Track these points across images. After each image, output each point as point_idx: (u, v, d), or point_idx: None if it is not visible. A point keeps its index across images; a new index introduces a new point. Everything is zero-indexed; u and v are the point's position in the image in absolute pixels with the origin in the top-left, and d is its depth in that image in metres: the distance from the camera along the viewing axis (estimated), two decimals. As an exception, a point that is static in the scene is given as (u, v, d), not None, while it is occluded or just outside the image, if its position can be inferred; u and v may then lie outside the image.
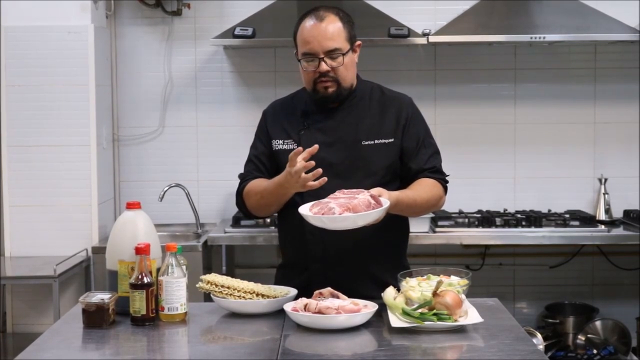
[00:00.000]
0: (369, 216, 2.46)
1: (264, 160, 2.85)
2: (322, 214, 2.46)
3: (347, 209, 2.44)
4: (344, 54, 2.70)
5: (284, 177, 2.62)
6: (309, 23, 2.71)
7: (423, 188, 2.75)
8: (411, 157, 2.79)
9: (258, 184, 2.80)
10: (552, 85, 4.99)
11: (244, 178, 2.88)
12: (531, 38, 4.53)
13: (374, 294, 2.57)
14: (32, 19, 4.53)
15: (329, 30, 2.69)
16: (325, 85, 2.72)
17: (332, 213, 2.44)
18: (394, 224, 2.78)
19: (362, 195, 2.49)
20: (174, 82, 4.99)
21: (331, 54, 2.69)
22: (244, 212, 2.88)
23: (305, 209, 2.53)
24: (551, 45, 4.88)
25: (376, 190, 2.54)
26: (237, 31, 4.55)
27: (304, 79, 2.77)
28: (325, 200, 2.52)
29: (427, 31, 4.62)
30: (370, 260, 2.77)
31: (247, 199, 2.83)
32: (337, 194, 2.54)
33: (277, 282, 2.83)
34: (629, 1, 4.83)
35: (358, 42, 2.79)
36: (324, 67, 2.69)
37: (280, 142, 2.82)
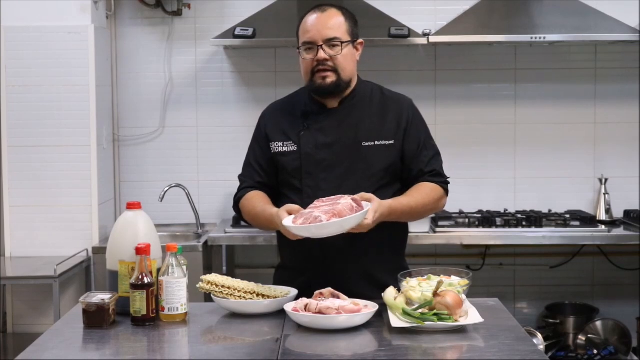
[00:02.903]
0: (353, 219, 2.46)
1: (262, 164, 2.85)
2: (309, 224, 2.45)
3: (333, 215, 2.44)
4: (342, 43, 2.71)
5: (276, 218, 2.59)
6: (310, 16, 2.75)
7: (420, 193, 2.75)
8: (412, 159, 2.79)
9: (252, 204, 2.78)
10: (553, 86, 4.99)
11: (242, 185, 2.87)
12: (531, 38, 4.53)
13: (373, 295, 2.57)
14: (32, 19, 4.53)
15: (328, 20, 2.72)
16: (324, 75, 2.71)
17: (320, 221, 2.44)
18: (392, 226, 2.77)
19: (344, 200, 2.49)
20: (174, 82, 4.99)
21: (330, 42, 2.70)
22: (240, 218, 2.89)
23: (288, 221, 2.52)
24: (551, 46, 4.88)
25: (366, 196, 2.55)
26: (238, 31, 4.55)
27: (302, 70, 2.77)
28: (307, 211, 2.52)
29: (428, 31, 4.62)
30: (369, 262, 2.77)
31: (242, 211, 2.85)
32: (317, 203, 2.54)
33: (276, 283, 2.82)
34: (629, 1, 4.83)
35: (360, 41, 2.80)
36: (322, 54, 2.70)
37: (280, 144, 2.81)
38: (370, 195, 2.57)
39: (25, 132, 4.56)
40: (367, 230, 2.55)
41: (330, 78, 2.72)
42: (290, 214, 2.56)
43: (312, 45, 2.71)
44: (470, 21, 4.70)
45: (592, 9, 4.68)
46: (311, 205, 2.55)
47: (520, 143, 5.01)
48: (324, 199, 2.56)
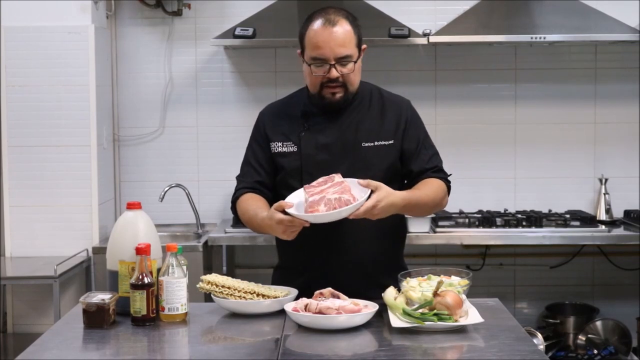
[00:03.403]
0: (341, 213, 2.47)
1: (262, 163, 2.83)
2: (334, 209, 2.46)
3: (352, 196, 2.47)
4: (355, 62, 2.69)
5: (267, 221, 2.58)
6: (319, 26, 2.67)
7: (430, 188, 2.75)
8: (412, 159, 2.79)
9: (246, 207, 2.76)
10: (553, 86, 4.99)
11: (239, 185, 2.86)
12: (531, 38, 4.53)
13: (372, 295, 2.57)
14: (32, 19, 4.53)
15: (340, 36, 2.65)
16: (333, 91, 2.69)
17: (348, 202, 2.46)
18: (391, 227, 2.77)
19: (340, 178, 2.53)
20: (174, 82, 5.00)
21: (342, 60, 2.67)
22: (239, 220, 2.88)
23: (299, 212, 2.53)
24: (551, 46, 4.88)
25: (373, 184, 2.54)
26: (238, 31, 4.55)
27: (309, 82, 2.74)
28: (318, 197, 2.51)
29: (428, 31, 4.62)
30: (368, 262, 2.76)
31: (238, 213, 2.83)
32: (310, 189, 2.53)
33: (275, 283, 2.82)
34: (629, 1, 4.83)
35: (364, 46, 2.77)
36: (334, 73, 2.67)
37: (279, 144, 2.80)
38: (377, 184, 2.55)
39: (25, 132, 4.56)
40: (375, 218, 2.54)
41: (339, 93, 2.70)
42: (282, 210, 2.53)
43: (322, 63, 2.67)
44: (470, 21, 4.70)
45: (592, 9, 4.68)
46: (310, 193, 2.53)
47: (520, 143, 5.01)
48: (314, 183, 2.55)
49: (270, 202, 2.74)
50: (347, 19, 2.70)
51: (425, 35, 4.62)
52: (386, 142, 2.77)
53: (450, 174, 2.87)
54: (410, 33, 4.56)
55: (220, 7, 4.94)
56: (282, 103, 2.91)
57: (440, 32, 4.63)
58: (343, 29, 2.66)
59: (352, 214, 2.49)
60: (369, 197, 2.51)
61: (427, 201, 2.72)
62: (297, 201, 2.57)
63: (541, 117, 4.99)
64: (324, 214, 2.47)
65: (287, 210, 2.52)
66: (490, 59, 4.97)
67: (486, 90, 5.00)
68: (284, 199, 2.68)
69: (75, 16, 4.55)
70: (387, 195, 2.54)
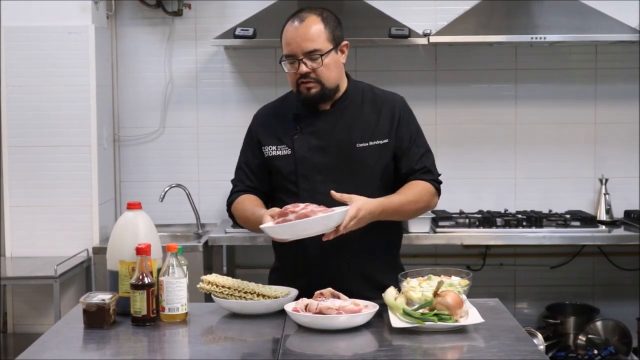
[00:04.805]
0: (335, 216, 2.45)
1: (253, 168, 2.84)
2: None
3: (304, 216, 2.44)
4: (322, 55, 2.68)
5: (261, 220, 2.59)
6: (290, 25, 2.71)
7: (412, 192, 2.73)
8: (402, 157, 2.77)
9: (243, 207, 2.78)
10: (553, 86, 4.99)
11: (234, 189, 2.87)
12: (532, 38, 4.54)
13: (370, 296, 2.57)
14: (32, 19, 4.53)
15: (308, 32, 2.67)
16: (307, 86, 2.70)
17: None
18: (386, 226, 2.75)
19: (313, 207, 2.48)
20: (174, 82, 5.00)
21: (310, 55, 2.67)
22: (234, 222, 2.91)
23: (268, 224, 2.52)
24: (552, 46, 4.88)
25: (345, 197, 2.54)
26: (238, 31, 4.55)
27: (289, 80, 2.76)
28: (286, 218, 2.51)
29: (428, 31, 4.62)
30: (363, 263, 2.75)
31: (234, 215, 2.85)
32: (291, 207, 2.52)
33: (272, 284, 2.81)
34: (629, 1, 4.83)
35: (345, 43, 2.76)
36: (303, 68, 2.67)
37: (273, 148, 2.80)
38: (350, 196, 2.55)
39: (25, 132, 4.56)
40: (355, 228, 2.53)
41: (314, 89, 2.70)
42: (272, 217, 2.54)
43: (293, 59, 2.69)
44: (471, 21, 4.70)
45: (592, 9, 4.68)
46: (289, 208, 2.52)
47: (520, 143, 5.01)
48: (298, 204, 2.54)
49: (266, 205, 2.77)
50: (320, 15, 2.71)
51: (425, 35, 4.62)
52: (381, 142, 2.75)
53: (440, 174, 2.85)
54: (411, 33, 4.56)
55: (221, 7, 4.94)
56: (275, 105, 2.91)
57: (440, 32, 4.63)
58: (311, 25, 2.68)
59: (333, 228, 2.47)
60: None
61: (408, 206, 2.71)
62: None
63: (541, 117, 4.99)
64: (295, 223, 2.43)
65: (261, 227, 2.51)
66: (490, 59, 4.97)
67: (486, 90, 5.00)
68: (282, 203, 2.68)
69: (75, 16, 4.55)
70: (365, 203, 2.55)
